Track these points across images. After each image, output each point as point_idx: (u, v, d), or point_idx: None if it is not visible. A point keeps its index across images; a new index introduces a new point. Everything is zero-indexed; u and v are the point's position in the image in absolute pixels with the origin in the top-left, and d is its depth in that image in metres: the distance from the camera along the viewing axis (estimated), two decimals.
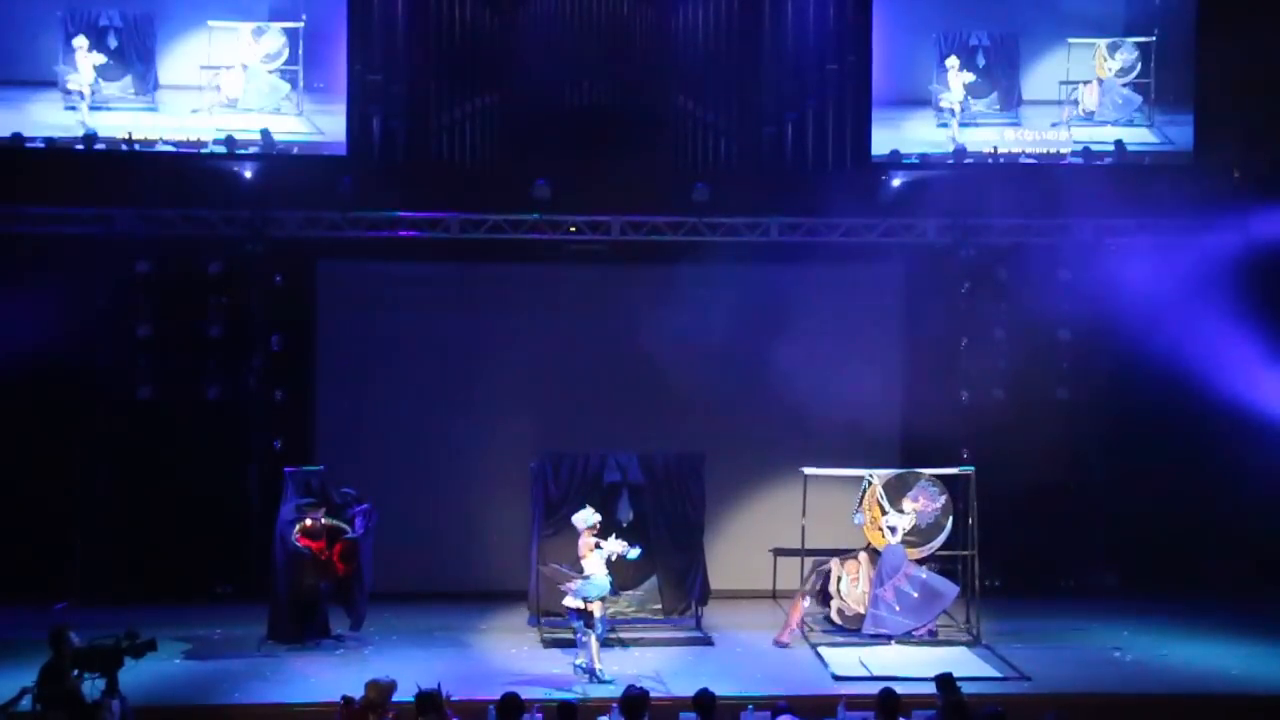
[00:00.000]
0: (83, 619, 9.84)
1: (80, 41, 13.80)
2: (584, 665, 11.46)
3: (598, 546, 11.75)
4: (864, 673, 11.69)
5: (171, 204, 14.02)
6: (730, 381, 14.90)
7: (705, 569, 13.49)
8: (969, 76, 14.50)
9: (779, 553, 14.65)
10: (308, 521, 12.64)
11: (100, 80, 13.92)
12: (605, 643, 11.80)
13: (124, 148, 13.85)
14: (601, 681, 11.25)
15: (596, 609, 11.50)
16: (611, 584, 11.63)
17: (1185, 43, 14.45)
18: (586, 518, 11.97)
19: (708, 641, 12.95)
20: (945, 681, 8.67)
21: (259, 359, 14.47)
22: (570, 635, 12.64)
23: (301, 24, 14.03)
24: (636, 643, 12.71)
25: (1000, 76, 14.57)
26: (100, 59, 13.86)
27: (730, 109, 14.36)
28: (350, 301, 15.01)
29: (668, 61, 14.35)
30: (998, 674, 11.70)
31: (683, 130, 14.35)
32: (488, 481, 14.68)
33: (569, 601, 11.60)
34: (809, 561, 13.56)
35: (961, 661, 11.96)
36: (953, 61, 14.42)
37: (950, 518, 13.32)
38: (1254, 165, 14.39)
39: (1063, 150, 14.61)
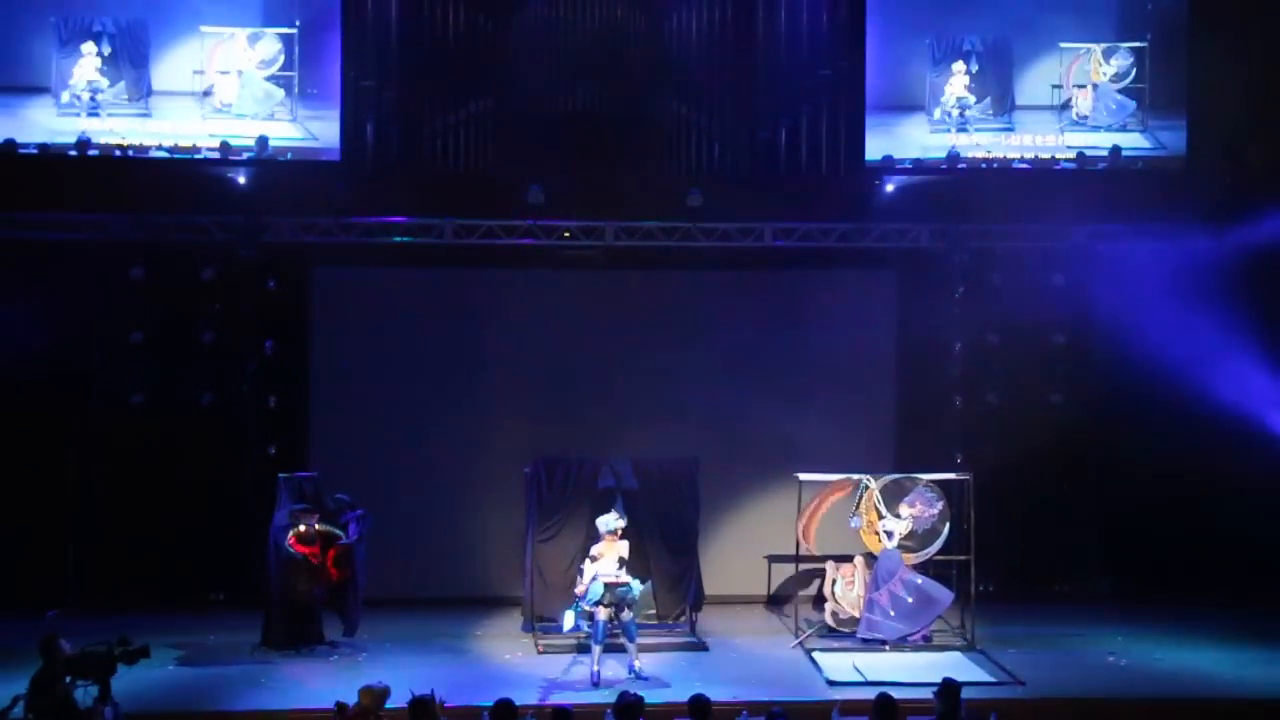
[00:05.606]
0: (75, 626, 9.79)
1: (89, 47, 13.76)
2: (637, 670, 11.59)
3: (620, 559, 11.92)
4: (858, 678, 11.69)
5: (165, 210, 14.01)
6: (724, 386, 14.93)
7: (700, 574, 13.49)
8: (966, 80, 14.51)
9: (773, 559, 14.69)
10: (301, 527, 12.62)
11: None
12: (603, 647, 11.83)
13: (117, 154, 13.83)
14: (595, 685, 11.29)
15: (602, 614, 11.61)
16: (618, 592, 11.70)
17: (1178, 48, 14.46)
18: (609, 521, 12.08)
19: (702, 647, 12.93)
20: (945, 690, 8.54)
21: (253, 365, 14.46)
22: (562, 641, 12.69)
23: (295, 30, 14.02)
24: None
25: (993, 82, 14.57)
26: (96, 64, 13.86)
27: (724, 114, 14.36)
28: (344, 307, 15.02)
29: (661, 67, 14.35)
30: (992, 679, 11.71)
31: (676, 135, 14.35)
32: (482, 487, 14.67)
33: (586, 607, 11.77)
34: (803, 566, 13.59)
35: (956, 666, 11.96)
36: (959, 66, 14.41)
37: (947, 524, 13.32)
38: (1247, 170, 14.41)
39: (1056, 155, 14.60)
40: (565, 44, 14.13)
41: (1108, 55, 14.60)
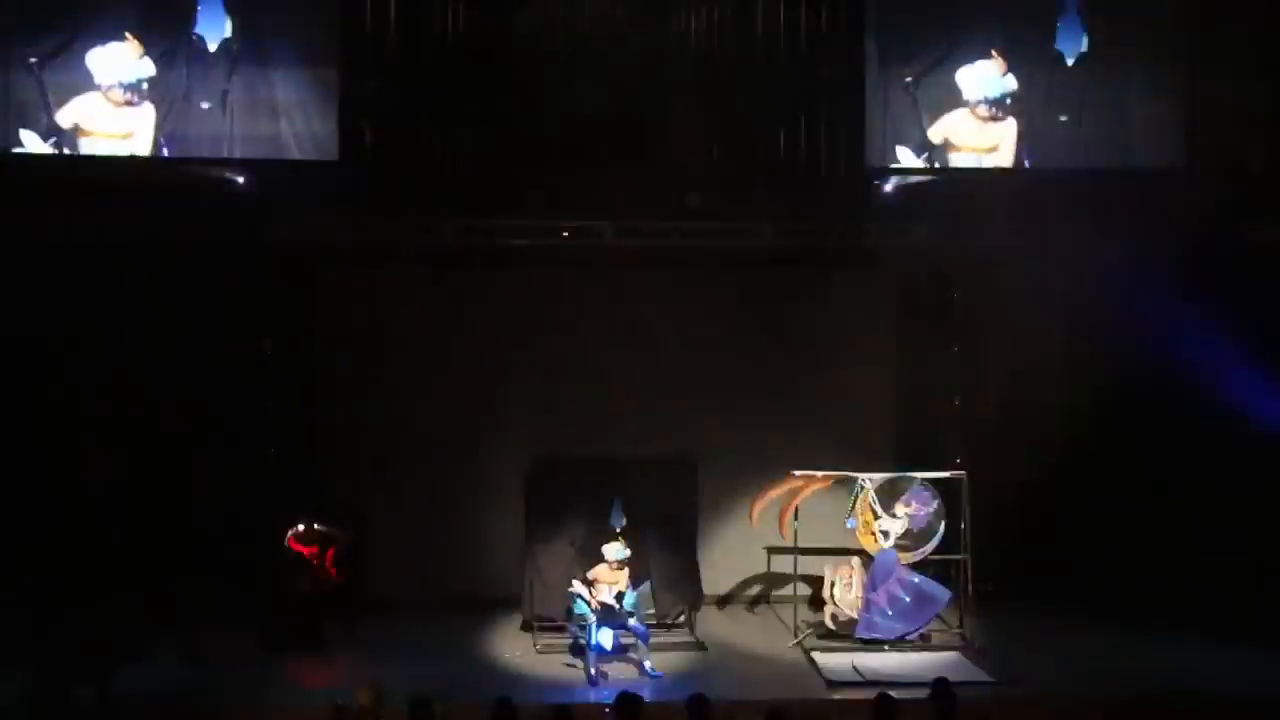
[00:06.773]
0: (74, 626, 9.83)
1: None
2: (649, 669, 11.76)
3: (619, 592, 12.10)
4: (857, 678, 11.71)
5: (165, 210, 13.97)
6: (723, 387, 14.94)
7: (699, 574, 13.51)
8: None
9: (772, 555, 14.70)
10: (301, 527, 12.66)
11: None
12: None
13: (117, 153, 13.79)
14: (594, 684, 11.33)
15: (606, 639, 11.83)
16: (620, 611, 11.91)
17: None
18: (617, 550, 12.14)
19: (701, 647, 12.96)
20: (937, 690, 8.56)
21: (254, 366, 14.46)
22: (562, 641, 12.74)
23: None
24: (629, 648, 12.71)
25: None
26: None
27: (724, 114, 14.35)
28: (345, 306, 15.03)
29: (661, 66, 14.33)
30: (989, 678, 11.73)
31: (676, 135, 14.34)
32: (482, 487, 14.70)
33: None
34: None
35: (953, 665, 12.01)
36: None
37: (943, 522, 13.33)
38: (1247, 175, 14.38)
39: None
40: (565, 44, 14.12)
41: None
